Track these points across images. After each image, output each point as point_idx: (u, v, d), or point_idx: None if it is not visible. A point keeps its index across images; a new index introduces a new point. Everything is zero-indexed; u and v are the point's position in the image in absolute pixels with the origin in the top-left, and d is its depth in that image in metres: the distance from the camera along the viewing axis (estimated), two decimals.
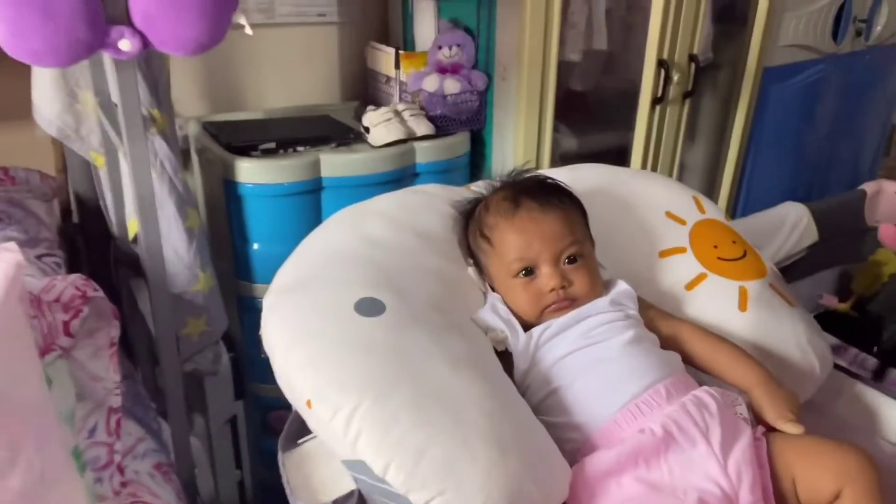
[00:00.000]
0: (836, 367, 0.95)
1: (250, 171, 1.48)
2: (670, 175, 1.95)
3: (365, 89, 1.96)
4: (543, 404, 0.80)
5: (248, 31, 0.97)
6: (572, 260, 0.85)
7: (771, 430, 0.80)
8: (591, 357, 0.80)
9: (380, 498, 0.67)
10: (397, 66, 1.77)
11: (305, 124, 1.70)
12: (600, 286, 0.88)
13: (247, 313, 1.62)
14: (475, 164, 1.79)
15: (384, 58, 1.82)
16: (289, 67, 1.91)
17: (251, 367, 1.64)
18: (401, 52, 1.74)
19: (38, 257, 1.26)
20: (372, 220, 0.91)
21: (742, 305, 0.90)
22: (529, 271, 0.85)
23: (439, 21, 1.73)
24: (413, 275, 0.83)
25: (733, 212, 2.19)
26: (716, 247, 0.96)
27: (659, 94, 1.78)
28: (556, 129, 1.96)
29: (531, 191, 0.87)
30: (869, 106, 2.46)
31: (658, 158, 1.91)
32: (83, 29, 0.88)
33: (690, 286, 0.93)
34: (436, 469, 0.63)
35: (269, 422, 1.75)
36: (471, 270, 0.91)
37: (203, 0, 0.91)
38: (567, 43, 1.82)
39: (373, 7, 1.95)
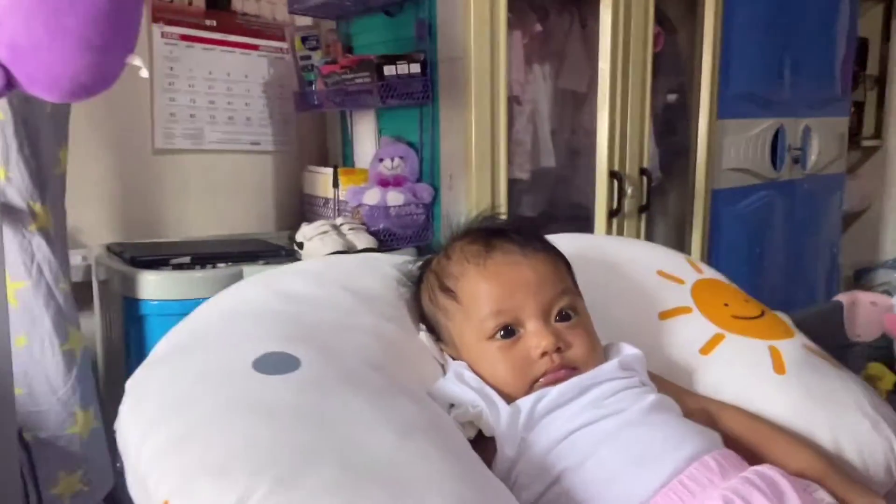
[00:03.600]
0: None
1: (156, 286, 1.24)
2: None
3: (301, 216, 1.81)
4: (542, 500, 0.54)
5: (144, 73, 0.81)
6: (566, 316, 0.64)
7: None
8: (607, 430, 0.56)
9: None
10: (335, 184, 1.64)
11: (230, 244, 1.51)
12: (602, 350, 0.66)
13: None
14: None
15: (321, 179, 1.69)
16: (218, 196, 1.76)
17: None
18: (339, 168, 1.63)
19: None
20: (293, 277, 0.69)
21: (778, 367, 0.69)
22: (510, 331, 0.63)
23: (380, 138, 1.64)
24: (344, 332, 0.60)
25: None
26: (727, 304, 0.77)
27: (615, 206, 1.69)
28: None
29: (507, 232, 0.68)
30: (815, 231, 2.46)
31: None
32: None
33: (706, 349, 0.72)
34: None
35: None
36: (423, 335, 0.68)
37: (85, 30, 0.75)
38: (515, 161, 1.75)
39: (310, 133, 1.87)
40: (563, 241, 0.88)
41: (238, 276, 1.29)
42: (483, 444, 0.58)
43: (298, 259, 1.41)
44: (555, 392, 0.60)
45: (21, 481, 0.99)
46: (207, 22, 1.71)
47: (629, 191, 1.71)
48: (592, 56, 1.74)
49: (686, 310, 0.76)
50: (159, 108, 1.66)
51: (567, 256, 0.74)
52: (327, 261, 0.75)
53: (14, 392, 0.97)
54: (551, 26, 1.75)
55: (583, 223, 1.76)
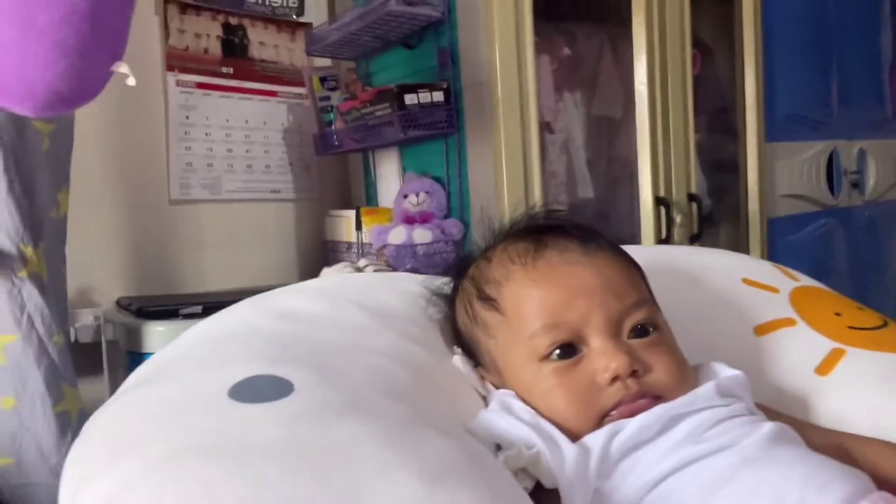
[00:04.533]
0: None
1: (164, 338, 1.12)
2: None
3: (325, 264, 1.69)
4: None
5: (131, 81, 0.72)
6: (643, 331, 0.50)
7: None
8: (717, 472, 0.41)
9: None
10: (358, 227, 1.53)
11: (246, 295, 1.39)
12: (692, 373, 0.51)
13: None
14: None
15: (344, 223, 1.59)
16: (237, 247, 1.66)
17: None
18: (361, 208, 1.52)
19: None
20: (293, 295, 0.56)
21: None
22: (570, 349, 0.48)
23: (405, 175, 1.54)
24: (354, 353, 0.47)
25: None
26: (839, 314, 0.61)
27: (664, 236, 1.54)
28: None
29: (562, 229, 0.54)
30: (882, 263, 2.25)
31: None
32: None
33: (824, 369, 0.56)
34: None
35: None
36: (458, 358, 0.54)
37: (61, 30, 0.67)
38: (549, 193, 1.63)
39: (332, 177, 1.78)
40: (630, 251, 0.74)
41: None
42: (541, 500, 0.43)
43: None
44: (634, 425, 0.45)
45: None
46: (224, 69, 1.66)
47: (678, 219, 1.57)
48: (625, 80, 1.64)
49: (789, 322, 0.61)
50: (175, 157, 1.60)
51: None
52: (337, 278, 0.62)
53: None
54: (580, 50, 1.66)
55: None
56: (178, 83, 1.59)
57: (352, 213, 1.55)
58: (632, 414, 0.46)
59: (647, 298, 0.52)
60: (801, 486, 0.39)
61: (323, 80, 1.62)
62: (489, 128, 1.38)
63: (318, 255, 1.72)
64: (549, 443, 0.44)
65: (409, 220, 1.42)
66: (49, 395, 0.98)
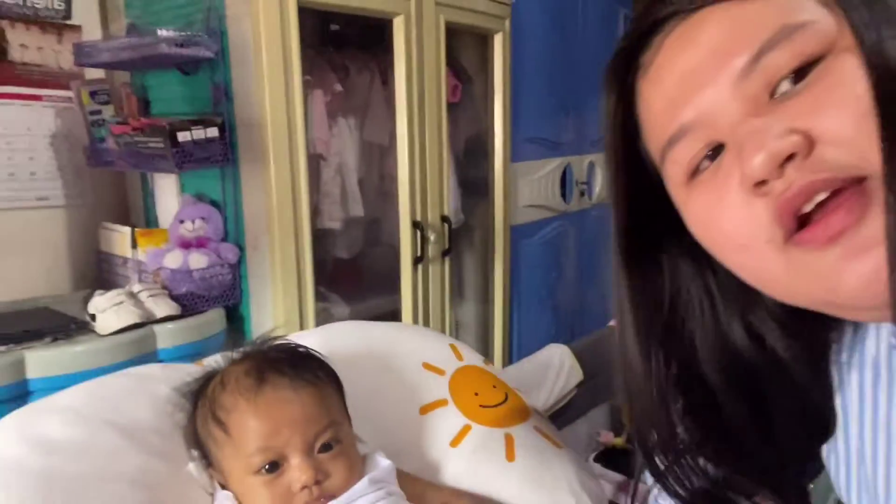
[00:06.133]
0: None
1: None
2: (445, 333, 1.95)
3: (99, 275, 1.73)
4: None
5: None
6: (327, 447, 0.72)
7: None
8: None
9: None
10: (134, 245, 1.60)
11: (9, 319, 1.42)
12: (360, 471, 0.75)
13: None
14: (235, 342, 1.61)
15: (118, 238, 1.64)
16: None
17: None
18: (137, 229, 1.59)
19: None
20: (51, 417, 0.70)
21: (509, 455, 0.82)
22: (275, 465, 0.69)
23: (183, 196, 1.63)
24: (102, 486, 0.63)
25: (509, 360, 2.24)
26: (477, 394, 0.90)
27: (419, 253, 1.81)
28: (325, 299, 1.89)
29: (279, 364, 0.74)
30: (605, 255, 2.78)
31: (429, 317, 1.90)
32: None
33: (455, 441, 0.84)
34: None
35: None
36: (192, 466, 0.73)
37: None
38: (324, 212, 1.81)
39: (107, 187, 1.79)
40: (339, 332, 0.96)
41: (18, 364, 1.23)
42: None
43: (92, 332, 1.37)
44: None
45: None
46: None
47: (432, 237, 1.85)
48: (393, 110, 1.85)
49: (443, 402, 0.88)
50: None
51: (341, 350, 0.82)
52: (92, 389, 0.76)
53: None
54: (353, 83, 1.83)
55: (396, 264, 1.87)
56: None
57: (127, 231, 1.61)
58: None
59: (335, 420, 0.74)
60: None
61: (93, 94, 1.62)
62: (261, 162, 1.52)
63: (92, 265, 1.75)
64: None
65: (186, 245, 1.53)
66: None
